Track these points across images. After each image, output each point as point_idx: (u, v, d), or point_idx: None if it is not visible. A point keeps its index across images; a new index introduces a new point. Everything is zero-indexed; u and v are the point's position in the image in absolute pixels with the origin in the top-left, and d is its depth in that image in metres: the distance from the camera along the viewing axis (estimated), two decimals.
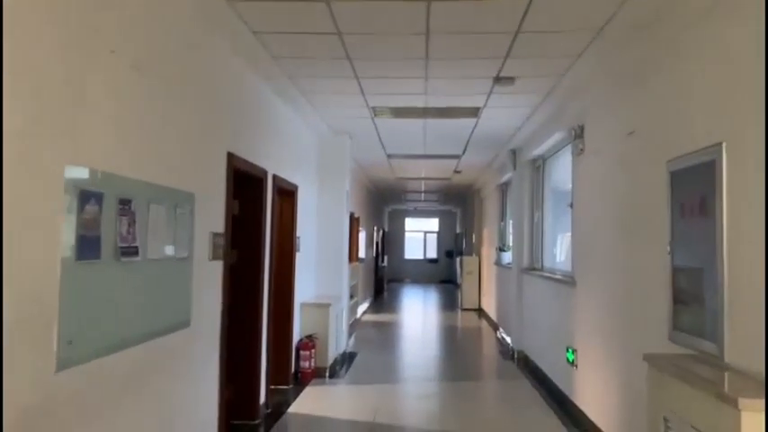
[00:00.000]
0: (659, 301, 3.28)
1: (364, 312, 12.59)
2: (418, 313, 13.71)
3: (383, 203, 19.82)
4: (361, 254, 13.17)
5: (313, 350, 6.50)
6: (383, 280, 18.99)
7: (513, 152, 8.01)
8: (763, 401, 2.06)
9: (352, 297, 9.23)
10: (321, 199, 7.45)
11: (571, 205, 5.75)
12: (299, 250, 6.35)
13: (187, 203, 3.37)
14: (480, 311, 13.03)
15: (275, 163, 5.43)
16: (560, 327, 5.71)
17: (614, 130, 4.26)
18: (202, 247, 3.67)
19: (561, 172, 6.98)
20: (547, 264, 7.06)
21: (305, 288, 6.80)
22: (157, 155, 3.04)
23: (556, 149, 6.48)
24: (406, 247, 23.86)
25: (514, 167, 8.00)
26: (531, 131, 6.92)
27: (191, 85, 3.49)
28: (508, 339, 8.52)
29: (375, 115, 6.53)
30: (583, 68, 4.52)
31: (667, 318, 3.16)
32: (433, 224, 23.95)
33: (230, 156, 4.15)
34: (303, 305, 6.65)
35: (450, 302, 15.67)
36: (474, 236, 14.34)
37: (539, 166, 7.38)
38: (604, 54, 4.13)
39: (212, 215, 3.88)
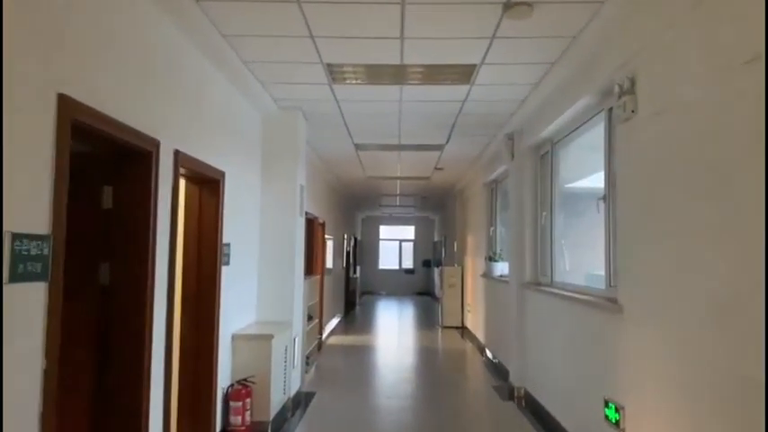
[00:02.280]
0: None
1: (332, 333, 10.84)
2: (394, 333, 11.99)
3: (355, 209, 18.11)
4: (329, 264, 11.46)
5: (248, 399, 4.75)
6: (355, 293, 17.24)
7: (511, 138, 6.38)
8: None
9: (311, 319, 7.48)
10: (265, 195, 5.72)
11: (604, 198, 4.12)
12: (226, 263, 4.61)
13: None
14: (464, 330, 11.37)
15: (182, 135, 3.70)
16: (592, 369, 4.05)
17: (701, 70, 2.64)
18: None
19: (579, 159, 5.35)
20: (558, 278, 5.42)
21: (238, 314, 5.05)
22: None
23: (574, 125, 4.85)
24: (380, 257, 22.14)
25: (512, 157, 6.37)
26: (540, 104, 5.30)
27: None
28: (506, 367, 6.86)
29: (334, 80, 4.83)
30: None
31: None
32: (409, 232, 22.30)
33: (65, 101, 2.41)
34: (236, 338, 4.90)
35: (429, 319, 13.99)
36: (456, 244, 12.71)
37: (545, 154, 5.75)
38: None
39: (16, 201, 2.14)
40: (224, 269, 4.54)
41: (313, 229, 9.25)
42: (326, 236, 11.04)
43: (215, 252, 4.39)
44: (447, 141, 7.39)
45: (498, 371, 7.32)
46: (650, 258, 3.16)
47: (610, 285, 4.00)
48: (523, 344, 6.08)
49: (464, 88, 5.06)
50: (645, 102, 3.28)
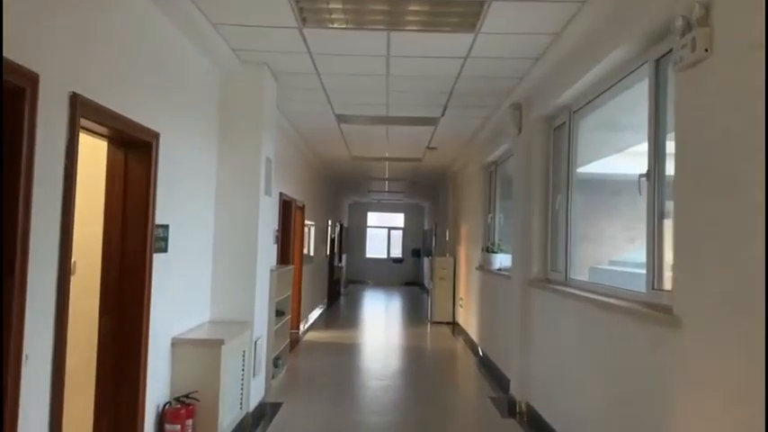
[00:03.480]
0: None
1: (311, 327, 9.90)
2: (379, 328, 11.07)
3: (342, 194, 17.13)
4: (310, 251, 10.51)
5: (190, 420, 3.79)
6: (340, 283, 16.30)
7: (518, 108, 5.42)
8: None
9: (282, 314, 6.53)
10: (222, 169, 4.72)
11: (647, 176, 3.18)
12: (161, 249, 3.63)
13: None
14: (455, 326, 10.48)
15: (88, 76, 2.71)
16: (631, 399, 3.13)
17: None
18: None
19: (591, 138, 4.42)
20: (575, 274, 4.49)
21: (182, 312, 4.08)
22: None
23: (604, 86, 3.89)
24: (368, 245, 21.19)
25: (519, 131, 5.41)
26: (558, 62, 4.32)
27: None
28: (504, 374, 5.97)
29: (304, 21, 3.83)
30: None
31: None
32: (398, 220, 21.35)
33: None
34: (177, 343, 3.93)
35: (417, 312, 13.09)
36: (448, 232, 11.78)
37: (561, 125, 4.80)
38: None
39: None
40: (158, 257, 3.56)
41: (290, 213, 8.28)
42: (307, 221, 10.08)
43: (144, 235, 3.41)
44: (442, 114, 6.41)
45: (494, 375, 6.41)
46: (733, 256, 2.22)
47: (653, 288, 3.07)
48: (528, 351, 5.16)
49: (467, 39, 4.08)
50: (726, 35, 2.33)
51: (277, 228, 7.36)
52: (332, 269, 14.44)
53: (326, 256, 13.62)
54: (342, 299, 15.37)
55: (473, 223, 8.83)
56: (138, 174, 3.41)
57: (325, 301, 13.46)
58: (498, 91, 5.38)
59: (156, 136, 3.48)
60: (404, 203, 20.47)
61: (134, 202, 3.40)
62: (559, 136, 4.89)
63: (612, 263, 4.94)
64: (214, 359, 3.95)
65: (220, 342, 3.95)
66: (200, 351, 3.94)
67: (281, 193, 7.44)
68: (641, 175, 3.19)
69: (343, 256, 18.05)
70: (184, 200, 4.03)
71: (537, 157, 5.14)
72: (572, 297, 4.08)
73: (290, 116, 6.76)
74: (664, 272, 3.05)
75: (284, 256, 8.13)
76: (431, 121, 6.80)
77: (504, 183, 7.41)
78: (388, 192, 16.39)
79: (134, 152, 3.41)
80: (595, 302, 3.62)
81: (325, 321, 11.09)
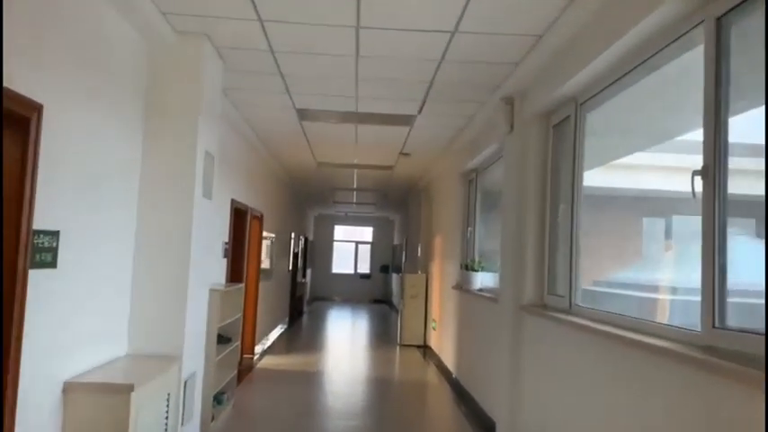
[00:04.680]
0: None
1: (268, 350, 8.90)
2: (344, 352, 10.11)
3: (307, 206, 16.19)
4: (269, 266, 9.55)
5: None
6: (303, 300, 15.28)
7: (510, 102, 4.62)
8: None
9: (228, 341, 5.56)
10: (148, 164, 3.78)
11: (702, 173, 2.38)
12: (46, 263, 2.67)
13: None
14: (426, 350, 9.60)
15: None
16: None
17: None
18: None
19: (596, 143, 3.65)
20: (583, 300, 3.68)
21: (79, 347, 3.09)
22: None
23: (623, 69, 3.10)
24: (334, 260, 20.22)
25: (510, 128, 4.61)
26: (566, 42, 3.54)
27: None
28: (487, 414, 5.11)
29: None
30: None
31: None
32: (366, 233, 20.45)
33: None
34: (70, 388, 2.95)
35: (385, 332, 12.17)
36: (420, 248, 10.94)
37: (564, 120, 4.01)
38: None
39: None
40: (39, 274, 2.61)
41: (244, 223, 7.33)
42: (267, 233, 9.13)
43: (15, 244, 2.45)
44: (419, 111, 5.59)
45: (475, 414, 5.54)
46: None
47: (714, 326, 2.25)
48: (520, 390, 4.32)
49: (456, 5, 3.26)
50: None
51: (227, 240, 6.41)
52: (294, 285, 13.45)
53: (289, 271, 12.64)
54: (305, 318, 14.35)
55: (449, 237, 8.00)
56: (9, 160, 2.46)
57: (287, 319, 12.45)
58: (488, 81, 4.58)
59: (38, 109, 2.54)
60: (373, 216, 19.61)
61: (3, 198, 2.45)
62: (562, 133, 4.10)
63: (597, 283, 4.20)
64: (121, 410, 2.98)
65: (129, 388, 2.98)
66: (102, 400, 2.97)
67: (232, 200, 6.50)
68: (695, 173, 2.38)
69: (308, 272, 17.07)
70: (88, 200, 3.08)
71: (533, 159, 4.34)
72: (584, 330, 3.25)
73: (244, 110, 5.85)
74: (727, 303, 2.25)
75: (236, 273, 7.16)
76: (406, 120, 5.97)
77: (486, 193, 6.62)
78: (356, 203, 15.51)
79: (9, 131, 2.46)
80: (622, 340, 2.78)
81: (286, 343, 10.08)
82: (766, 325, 1.90)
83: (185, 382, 3.87)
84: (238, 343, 5.87)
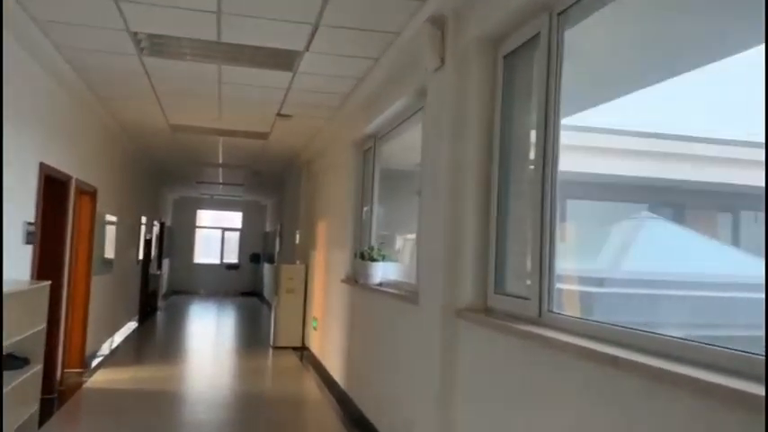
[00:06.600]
0: None
1: (106, 361, 6.97)
2: (203, 359, 8.39)
3: (165, 187, 14.01)
4: (110, 255, 7.61)
5: None
6: (156, 295, 13.14)
7: (441, 25, 3.31)
8: None
9: (26, 363, 3.77)
10: None
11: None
12: None
13: None
14: (304, 352, 8.18)
15: None
16: None
17: None
18: None
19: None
20: (559, 306, 2.48)
21: None
22: None
23: None
24: (197, 249, 18.05)
25: (441, 61, 3.31)
26: None
27: None
28: None
29: None
30: None
31: None
32: (235, 219, 18.48)
33: None
34: None
35: (256, 332, 10.58)
36: (298, 234, 9.45)
37: (527, 43, 2.78)
38: None
39: None
40: None
41: (64, 199, 5.44)
42: (109, 216, 7.21)
43: None
44: (307, 46, 4.13)
45: None
46: None
47: None
48: (452, 420, 3.07)
49: None
50: None
51: (32, 220, 4.56)
52: (146, 278, 11.38)
53: (138, 261, 10.57)
54: (159, 316, 12.28)
55: (337, 221, 6.63)
56: None
57: (136, 318, 10.41)
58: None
59: None
60: (242, 201, 17.71)
61: None
62: (519, 67, 2.88)
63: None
64: None
65: None
66: None
67: (42, 164, 4.65)
68: None
69: (165, 262, 14.87)
70: None
71: (475, 103, 3.08)
72: (566, 351, 2.02)
73: (58, 38, 4.03)
74: None
75: (52, 264, 5.27)
76: (288, 60, 4.48)
77: (388, 165, 5.34)
78: (223, 184, 13.60)
79: None
80: (643, 370, 1.58)
81: (135, 347, 8.19)
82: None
83: None
84: (41, 366, 4.06)
